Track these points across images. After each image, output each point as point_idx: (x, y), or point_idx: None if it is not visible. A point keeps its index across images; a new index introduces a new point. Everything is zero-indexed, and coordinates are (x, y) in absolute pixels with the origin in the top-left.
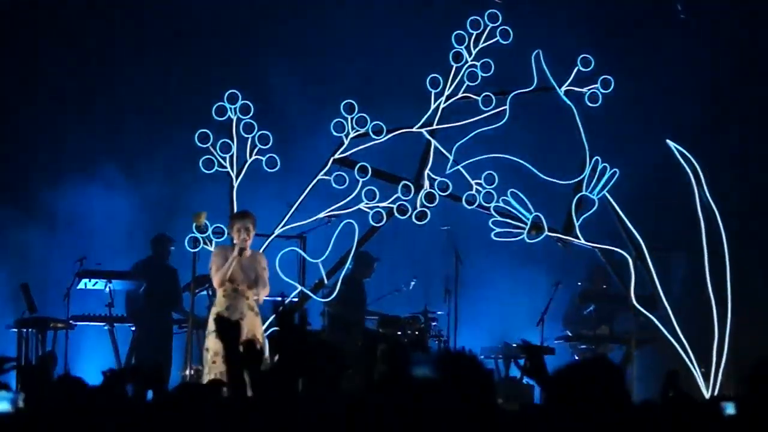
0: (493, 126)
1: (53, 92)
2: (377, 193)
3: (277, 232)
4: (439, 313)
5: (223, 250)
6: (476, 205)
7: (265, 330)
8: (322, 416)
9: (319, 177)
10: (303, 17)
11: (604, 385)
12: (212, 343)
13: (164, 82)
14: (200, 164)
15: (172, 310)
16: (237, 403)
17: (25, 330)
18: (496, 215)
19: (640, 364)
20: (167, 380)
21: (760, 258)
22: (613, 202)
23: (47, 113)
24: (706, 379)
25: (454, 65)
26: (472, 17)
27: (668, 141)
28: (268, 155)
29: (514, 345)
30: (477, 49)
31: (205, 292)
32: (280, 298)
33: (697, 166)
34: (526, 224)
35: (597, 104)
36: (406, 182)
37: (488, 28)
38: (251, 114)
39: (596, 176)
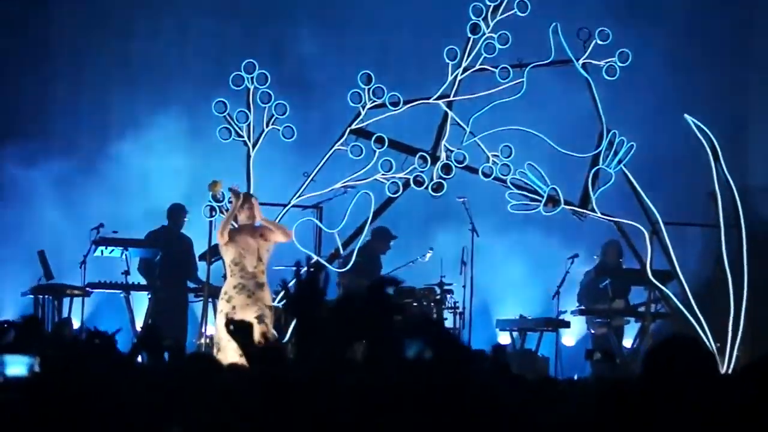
0: (510, 98)
1: (69, 60)
2: (393, 164)
3: (293, 202)
4: (454, 285)
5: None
6: (493, 177)
7: (280, 300)
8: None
9: (335, 147)
10: None
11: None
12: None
13: (181, 52)
14: (217, 133)
15: (187, 279)
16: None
17: (41, 297)
18: (512, 187)
19: (656, 339)
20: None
21: None
22: (630, 176)
23: (62, 81)
24: (722, 353)
25: (472, 37)
26: None
27: (686, 115)
28: (284, 125)
29: (530, 317)
30: (494, 20)
31: (220, 261)
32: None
33: (714, 141)
34: (542, 197)
35: (614, 77)
36: (423, 153)
37: (506, 0)
38: (268, 83)
39: (613, 149)
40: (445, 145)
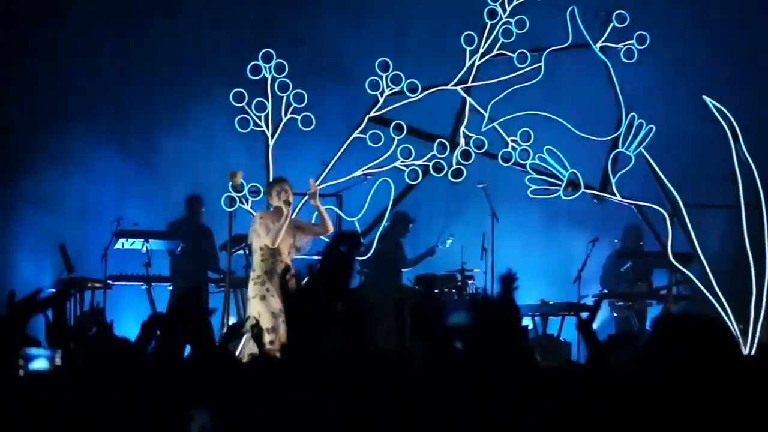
0: (529, 83)
1: (88, 51)
2: (413, 151)
3: None
4: (475, 271)
5: (268, 214)
6: (512, 162)
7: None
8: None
9: (354, 135)
10: None
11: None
12: (255, 309)
13: (198, 43)
14: (235, 123)
15: (209, 269)
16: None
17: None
18: (532, 172)
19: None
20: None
21: None
22: (650, 159)
23: (82, 72)
24: (744, 335)
25: (489, 22)
26: None
27: (704, 97)
28: (303, 114)
29: (551, 302)
30: (511, 5)
31: (241, 252)
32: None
33: (734, 121)
34: (562, 181)
35: (632, 60)
36: (442, 140)
37: None
38: (286, 73)
39: (632, 132)
40: (463, 131)
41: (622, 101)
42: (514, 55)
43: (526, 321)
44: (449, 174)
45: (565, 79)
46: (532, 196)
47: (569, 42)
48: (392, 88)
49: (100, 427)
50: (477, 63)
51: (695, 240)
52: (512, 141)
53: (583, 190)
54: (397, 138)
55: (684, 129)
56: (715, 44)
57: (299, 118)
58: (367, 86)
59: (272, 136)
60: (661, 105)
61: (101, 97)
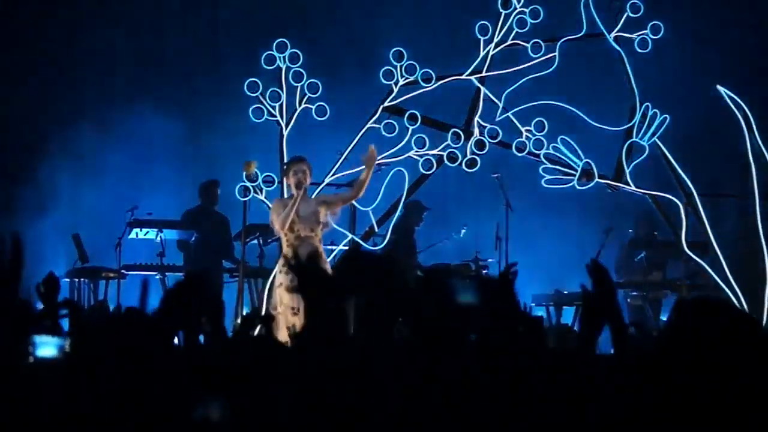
0: (543, 73)
1: (100, 43)
2: (427, 141)
3: (327, 180)
4: (489, 260)
5: (280, 201)
6: (526, 152)
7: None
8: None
9: (368, 125)
10: None
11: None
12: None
13: (212, 32)
14: (250, 113)
15: (223, 258)
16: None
17: (77, 280)
18: (546, 162)
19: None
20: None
21: None
22: (664, 148)
23: (96, 63)
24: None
25: (503, 12)
26: None
27: (718, 86)
28: (317, 104)
29: (565, 292)
30: None
31: (255, 241)
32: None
33: (747, 111)
34: (576, 171)
35: (647, 50)
36: (456, 130)
37: None
38: (300, 62)
39: (646, 122)
40: (478, 121)
41: (636, 91)
42: (529, 45)
43: (540, 311)
44: (463, 164)
45: (579, 68)
46: (546, 185)
47: (583, 32)
48: (407, 78)
49: (110, 416)
50: (491, 53)
51: (709, 229)
52: (526, 131)
53: (597, 179)
54: (411, 128)
55: (698, 119)
56: (730, 32)
57: (314, 108)
58: (381, 76)
59: (287, 126)
60: (676, 95)
61: (115, 87)
